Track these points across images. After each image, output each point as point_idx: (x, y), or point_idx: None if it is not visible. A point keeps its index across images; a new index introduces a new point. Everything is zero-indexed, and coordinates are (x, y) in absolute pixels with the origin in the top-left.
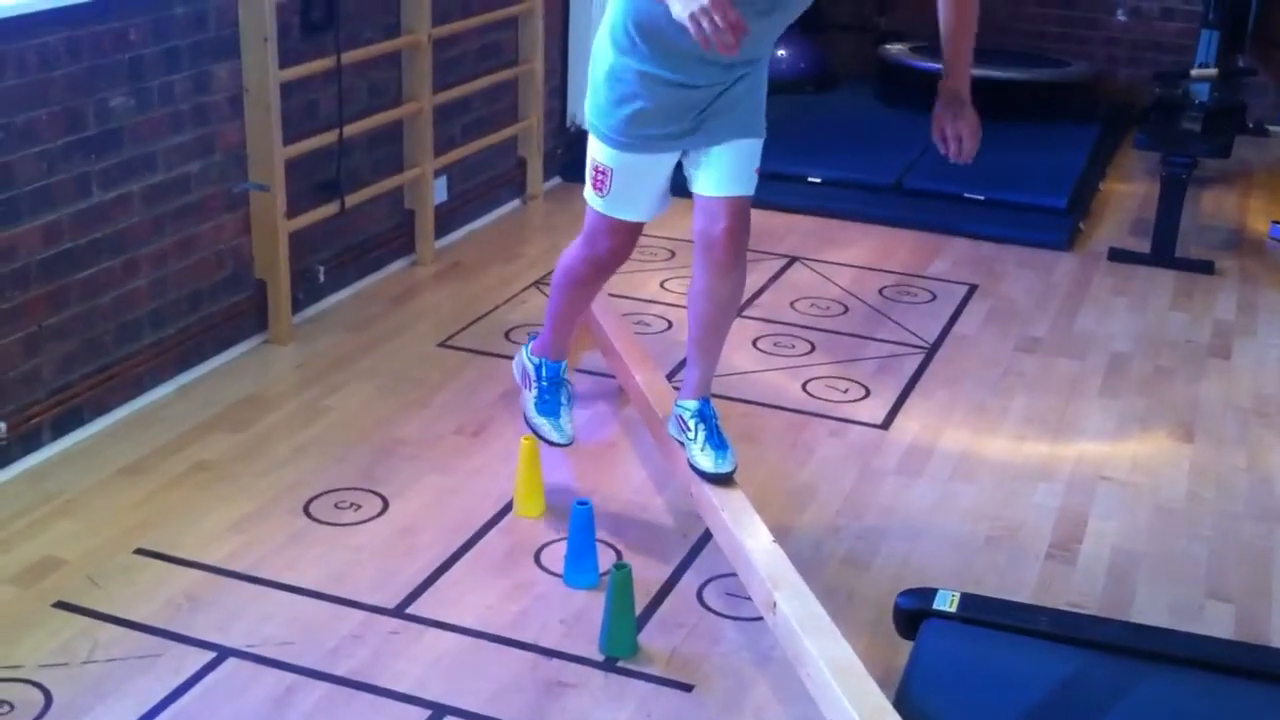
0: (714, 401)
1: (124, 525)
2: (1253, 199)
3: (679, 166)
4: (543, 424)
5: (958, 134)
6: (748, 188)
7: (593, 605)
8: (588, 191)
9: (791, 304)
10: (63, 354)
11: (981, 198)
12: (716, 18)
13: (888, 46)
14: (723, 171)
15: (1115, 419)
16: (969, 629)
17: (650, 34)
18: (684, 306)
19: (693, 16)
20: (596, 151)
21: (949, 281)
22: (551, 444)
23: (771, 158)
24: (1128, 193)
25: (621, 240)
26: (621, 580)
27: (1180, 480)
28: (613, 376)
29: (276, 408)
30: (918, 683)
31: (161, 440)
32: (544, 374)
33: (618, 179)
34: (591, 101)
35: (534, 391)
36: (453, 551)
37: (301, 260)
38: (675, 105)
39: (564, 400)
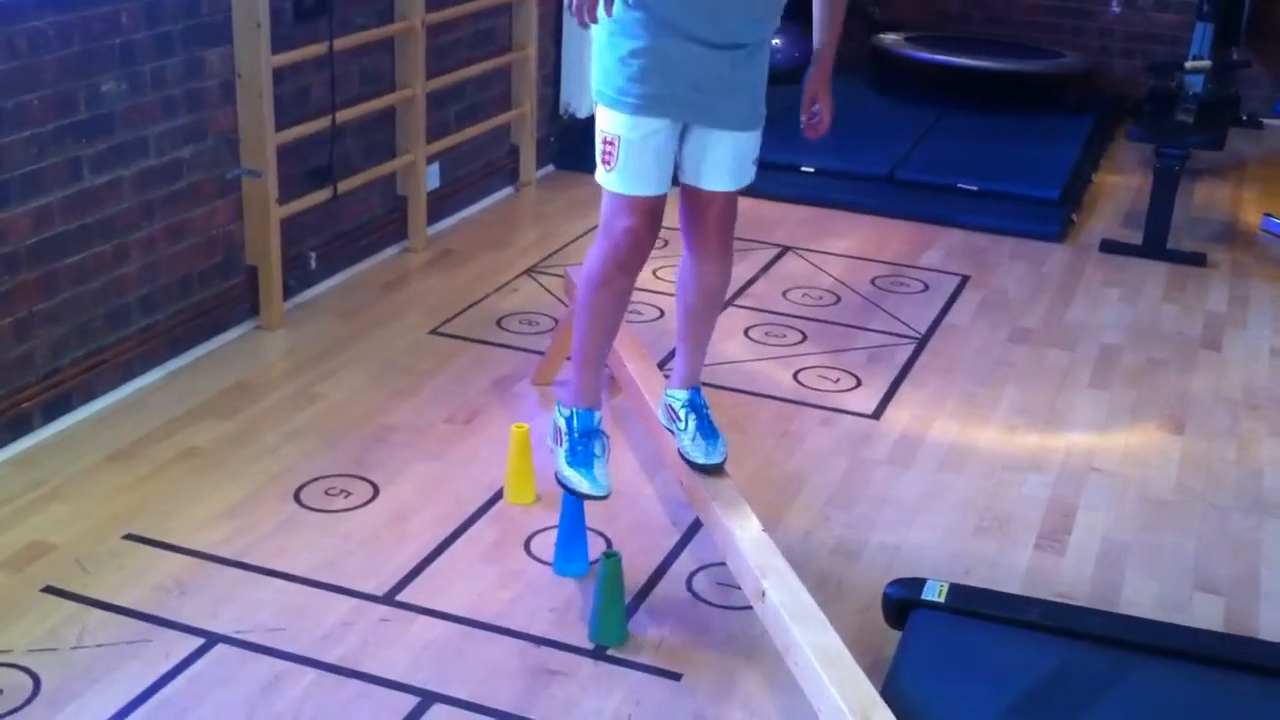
0: (704, 391)
1: (113, 511)
2: (1245, 191)
3: None
4: (573, 476)
5: (822, 106)
6: (741, 180)
7: (582, 593)
8: (598, 173)
9: (783, 293)
10: (53, 339)
11: (974, 189)
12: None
13: (882, 36)
14: (718, 165)
15: (1106, 410)
16: (957, 619)
17: None
18: (675, 295)
19: None
20: (603, 121)
21: (941, 272)
22: (585, 497)
23: (765, 147)
24: (1120, 184)
25: (638, 221)
26: (611, 569)
27: (1170, 472)
28: (607, 357)
29: (267, 394)
30: (906, 673)
31: (151, 426)
32: (575, 425)
33: (624, 147)
34: (597, 66)
35: (564, 446)
36: (443, 539)
37: (293, 246)
38: (681, 62)
39: (598, 451)
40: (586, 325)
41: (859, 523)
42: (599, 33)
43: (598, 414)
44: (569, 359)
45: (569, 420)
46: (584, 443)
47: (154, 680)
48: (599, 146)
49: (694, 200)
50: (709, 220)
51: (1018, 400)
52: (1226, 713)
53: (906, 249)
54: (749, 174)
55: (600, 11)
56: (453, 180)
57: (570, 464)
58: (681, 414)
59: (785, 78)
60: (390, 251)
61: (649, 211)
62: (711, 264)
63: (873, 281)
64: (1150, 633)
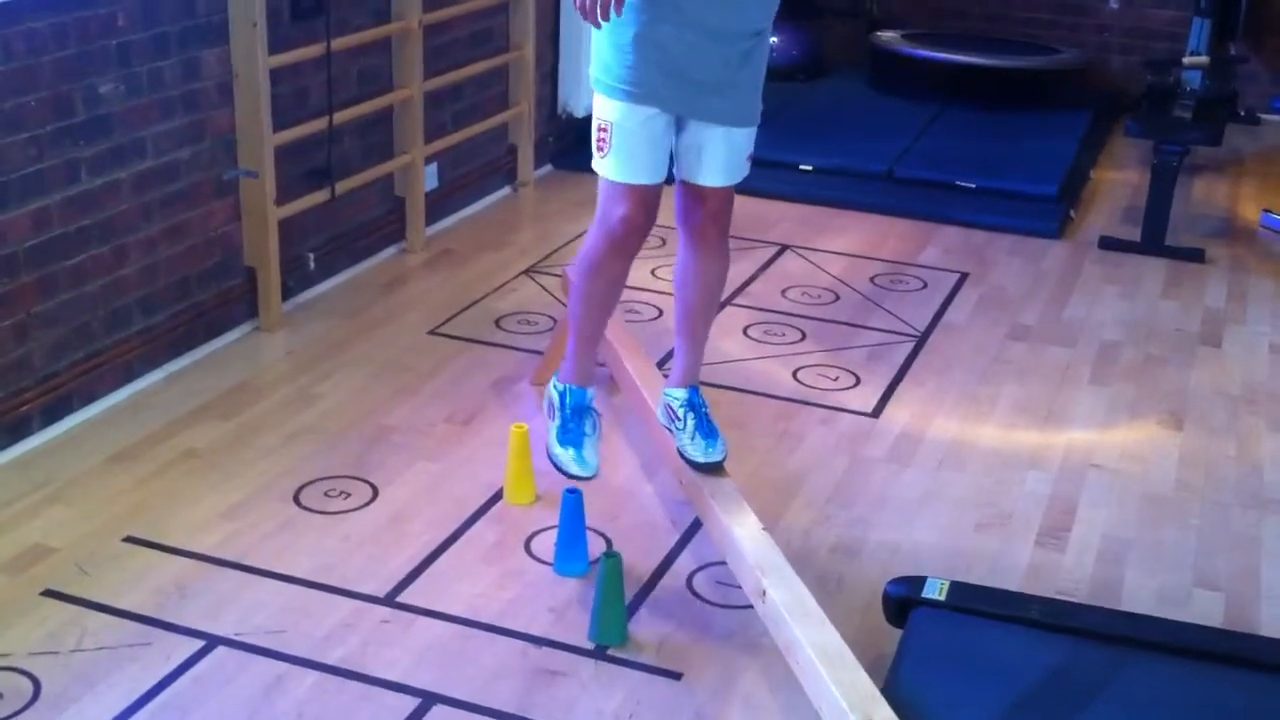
0: (704, 389)
1: (113, 513)
2: (1243, 187)
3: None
4: (562, 455)
5: None
6: (736, 177)
7: (582, 593)
8: (594, 161)
9: (782, 292)
10: (52, 341)
11: (973, 186)
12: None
13: (879, 34)
14: (714, 160)
15: (1105, 407)
16: (958, 617)
17: None
18: (673, 293)
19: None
20: (599, 108)
21: (940, 269)
22: (572, 477)
23: (763, 145)
24: (1119, 181)
25: (633, 208)
26: (611, 568)
27: (1169, 468)
28: (603, 364)
29: (266, 395)
30: (906, 670)
31: (151, 428)
32: (568, 401)
33: (617, 134)
34: (595, 52)
35: (556, 421)
36: (443, 540)
37: (291, 247)
38: (678, 54)
39: (588, 430)
40: (581, 308)
41: (859, 521)
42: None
43: (590, 391)
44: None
45: (562, 395)
46: (575, 420)
47: (154, 683)
48: (594, 133)
49: (690, 195)
50: (705, 216)
51: (1017, 397)
52: (1227, 708)
53: (905, 247)
54: (744, 170)
55: (612, 10)
56: (451, 180)
57: (561, 441)
58: (680, 413)
59: (784, 75)
60: (389, 252)
61: (644, 199)
62: (708, 260)
63: (872, 279)
64: (1150, 629)
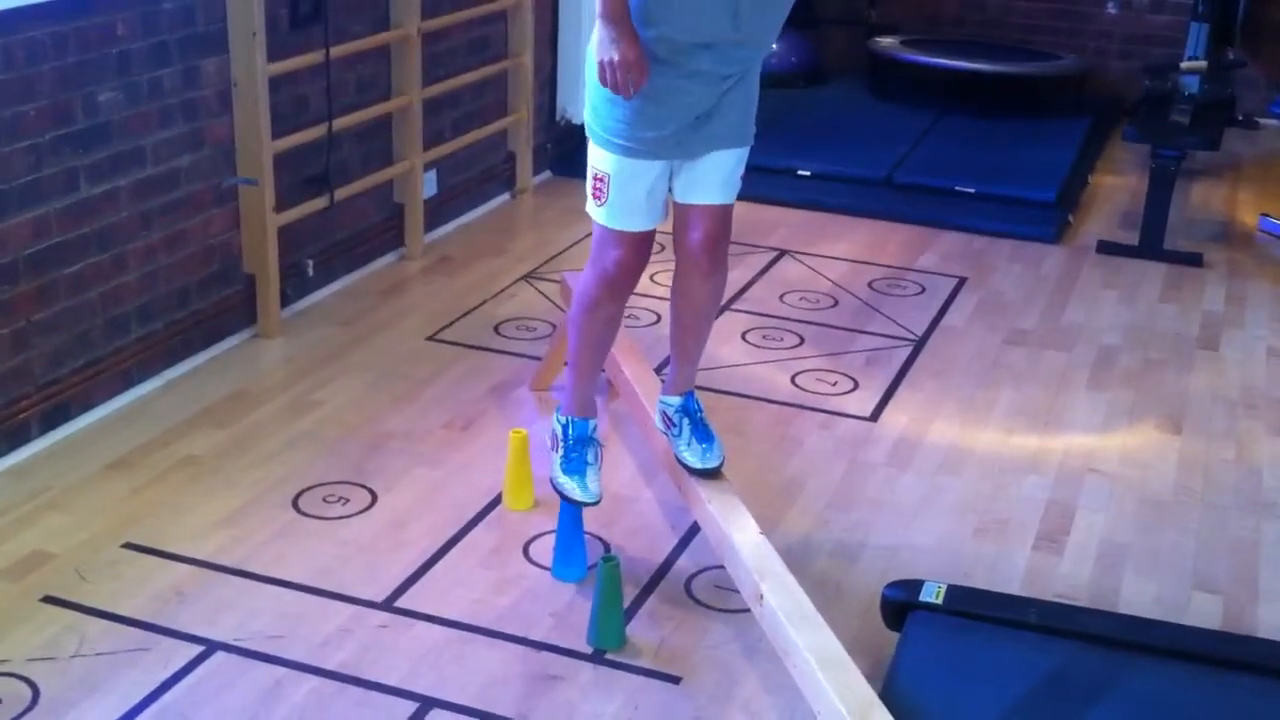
0: (702, 394)
1: (112, 520)
2: (1241, 191)
3: None
4: (566, 483)
5: None
6: (730, 195)
7: (581, 598)
8: (589, 205)
9: (781, 297)
10: (51, 349)
11: (971, 191)
12: (621, 75)
13: (878, 40)
14: (707, 180)
15: (1103, 411)
16: (955, 621)
17: (644, 22)
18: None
19: (603, 65)
20: (594, 158)
21: (938, 274)
22: (575, 503)
23: (762, 151)
24: (1117, 185)
25: (627, 252)
26: (610, 573)
27: (1168, 472)
28: (601, 370)
29: (265, 402)
30: (904, 674)
31: (150, 435)
32: (570, 433)
33: (615, 185)
34: (589, 104)
35: (560, 452)
36: (441, 545)
37: (290, 254)
38: (673, 103)
39: (590, 459)
40: (578, 344)
41: (857, 525)
42: (591, 70)
43: (592, 422)
44: (566, 364)
45: (565, 428)
46: (578, 450)
47: (153, 688)
48: (589, 181)
49: (686, 215)
50: (702, 236)
51: (1015, 402)
52: (1225, 712)
53: (904, 252)
54: (737, 186)
55: (626, 81)
56: (449, 187)
57: (564, 470)
58: (676, 419)
59: (780, 82)
60: (387, 259)
61: (638, 244)
62: (703, 279)
63: (870, 284)
64: (1149, 633)
